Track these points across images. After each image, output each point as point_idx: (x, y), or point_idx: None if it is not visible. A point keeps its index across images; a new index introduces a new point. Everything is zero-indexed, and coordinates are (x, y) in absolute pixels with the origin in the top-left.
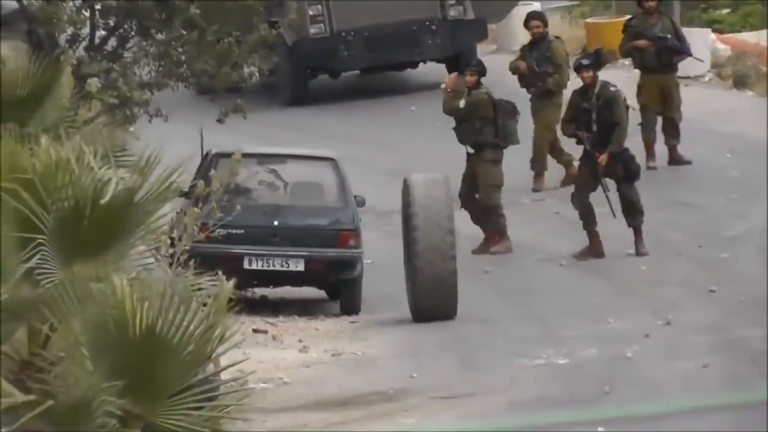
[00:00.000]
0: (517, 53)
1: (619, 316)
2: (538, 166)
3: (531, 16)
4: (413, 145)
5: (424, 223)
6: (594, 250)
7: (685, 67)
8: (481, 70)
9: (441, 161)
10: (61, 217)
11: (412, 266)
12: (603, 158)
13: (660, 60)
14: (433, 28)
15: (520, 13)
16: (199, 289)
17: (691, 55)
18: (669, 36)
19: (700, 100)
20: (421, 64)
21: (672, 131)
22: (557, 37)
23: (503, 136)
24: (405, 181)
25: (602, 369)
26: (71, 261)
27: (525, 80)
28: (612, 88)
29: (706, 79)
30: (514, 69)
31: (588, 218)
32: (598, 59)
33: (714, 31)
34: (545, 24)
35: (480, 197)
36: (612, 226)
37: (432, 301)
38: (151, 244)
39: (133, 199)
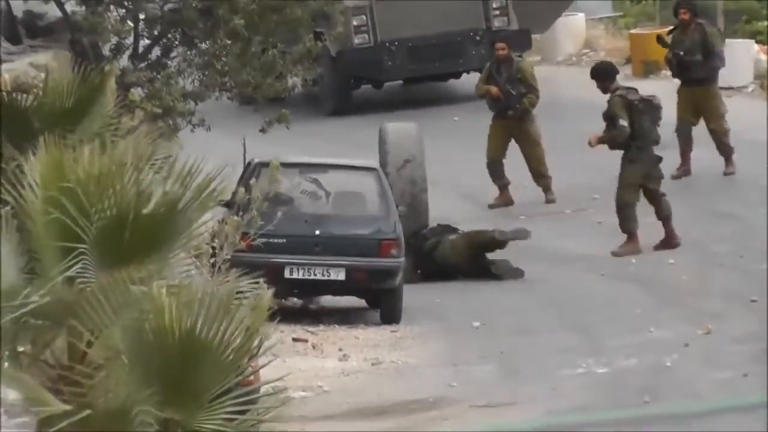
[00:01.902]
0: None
1: (660, 326)
2: (543, 181)
3: (497, 39)
4: (455, 155)
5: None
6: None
7: (728, 78)
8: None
9: (482, 170)
10: (104, 226)
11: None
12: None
13: (683, 72)
14: (477, 38)
15: (564, 23)
16: (240, 295)
17: (717, 67)
18: (682, 53)
19: (742, 110)
20: (465, 75)
21: (716, 143)
22: (519, 56)
23: (639, 135)
24: (380, 129)
25: (642, 378)
26: (112, 269)
27: (497, 103)
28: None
29: (749, 90)
30: (484, 92)
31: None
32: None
33: (757, 42)
34: (510, 46)
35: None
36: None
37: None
38: (192, 252)
39: (175, 208)
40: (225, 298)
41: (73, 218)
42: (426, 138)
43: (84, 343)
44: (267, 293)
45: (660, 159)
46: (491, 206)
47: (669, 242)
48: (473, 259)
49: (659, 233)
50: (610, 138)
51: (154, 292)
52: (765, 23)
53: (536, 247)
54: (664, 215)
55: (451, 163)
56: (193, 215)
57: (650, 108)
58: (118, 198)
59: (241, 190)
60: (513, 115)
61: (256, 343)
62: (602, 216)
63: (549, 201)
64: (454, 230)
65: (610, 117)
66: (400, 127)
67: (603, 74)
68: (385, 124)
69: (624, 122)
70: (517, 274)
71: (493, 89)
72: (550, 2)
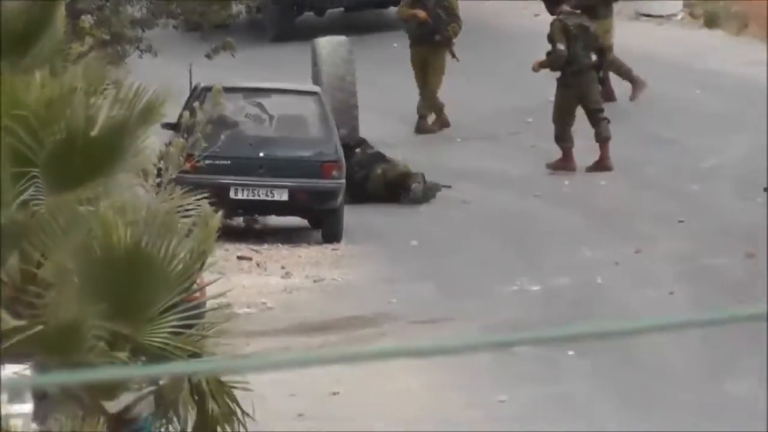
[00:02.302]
0: None
1: (592, 245)
2: (434, 109)
3: None
4: (393, 81)
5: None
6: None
7: (658, 7)
8: None
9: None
10: (54, 150)
11: None
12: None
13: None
14: None
15: None
16: (185, 213)
17: None
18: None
19: (672, 38)
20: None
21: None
22: None
23: (573, 60)
24: (312, 42)
25: (573, 295)
26: (63, 190)
27: (423, 27)
28: None
29: (679, 17)
30: (410, 16)
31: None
32: None
33: None
34: None
35: None
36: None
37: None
38: (138, 173)
39: (122, 129)
40: (169, 216)
41: (26, 143)
42: (365, 64)
43: (35, 263)
44: (216, 214)
45: (601, 81)
46: (426, 130)
47: (603, 164)
48: (394, 192)
49: (594, 155)
50: (550, 62)
51: (101, 211)
52: None
53: (472, 168)
54: (602, 138)
55: (388, 88)
56: (138, 132)
57: (585, 34)
58: (68, 122)
59: (186, 113)
60: (439, 40)
61: (201, 259)
62: (536, 140)
63: (444, 125)
64: (382, 158)
65: (550, 40)
66: (331, 41)
67: None
68: (316, 39)
69: (561, 46)
70: (434, 189)
71: (421, 13)
72: None
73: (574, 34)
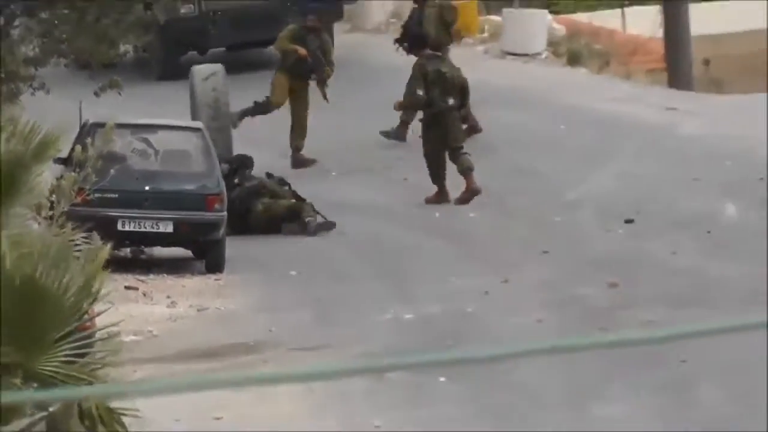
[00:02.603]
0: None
1: (462, 275)
2: (302, 142)
3: (309, 11)
4: (273, 116)
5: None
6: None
7: (524, 45)
8: None
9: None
10: None
11: None
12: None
13: None
14: (294, 8)
15: None
16: (76, 246)
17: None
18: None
19: (537, 76)
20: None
21: None
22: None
23: (430, 103)
24: (191, 70)
25: (446, 324)
26: None
27: (301, 64)
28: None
29: (543, 56)
30: (291, 50)
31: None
32: None
33: (551, 12)
34: (321, 18)
35: None
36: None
37: None
38: (32, 207)
39: (18, 164)
40: (62, 248)
41: None
42: (245, 100)
43: None
44: (105, 246)
45: (463, 119)
46: (301, 164)
47: (469, 190)
48: (276, 225)
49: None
50: (408, 104)
51: None
52: None
53: (348, 201)
54: (465, 169)
55: (269, 123)
56: (33, 168)
57: (441, 80)
58: None
59: (78, 148)
60: (315, 80)
61: (93, 290)
62: (408, 173)
63: (309, 164)
64: (261, 194)
65: (409, 84)
66: (207, 67)
67: (412, 41)
68: (193, 67)
69: (420, 91)
70: (329, 227)
71: (302, 50)
72: None
73: (431, 79)
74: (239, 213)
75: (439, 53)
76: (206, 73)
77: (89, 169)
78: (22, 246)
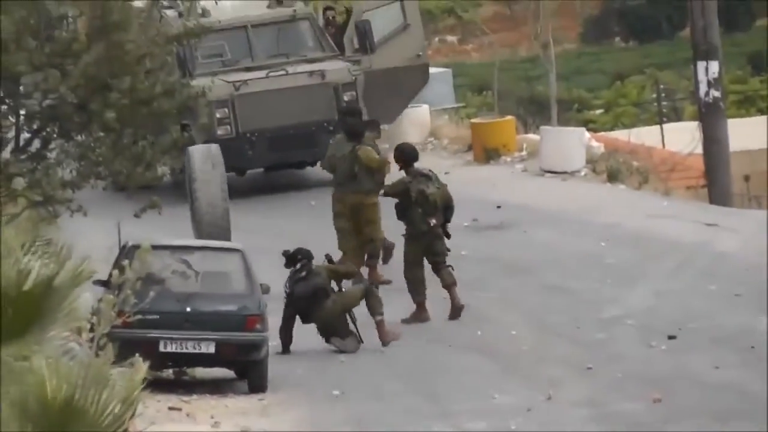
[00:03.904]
0: None
1: (504, 392)
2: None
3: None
4: (314, 236)
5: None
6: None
7: (562, 163)
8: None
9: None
10: None
11: (194, 211)
12: None
13: None
14: (331, 128)
15: (410, 114)
16: (116, 366)
17: None
18: None
19: (576, 194)
20: (320, 162)
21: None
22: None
23: (410, 222)
24: (186, 151)
25: None
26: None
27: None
28: None
29: (582, 174)
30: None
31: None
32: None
33: (588, 129)
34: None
35: None
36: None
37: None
38: (72, 329)
39: (52, 284)
40: (101, 369)
41: None
42: (286, 220)
43: None
44: (142, 366)
45: (447, 236)
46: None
47: (456, 307)
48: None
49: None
50: (390, 190)
51: (35, 367)
52: (595, 112)
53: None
54: (448, 283)
55: (306, 242)
56: (68, 291)
57: (424, 201)
58: (2, 279)
59: (116, 271)
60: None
61: (131, 410)
62: (438, 290)
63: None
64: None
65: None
66: (204, 147)
67: (400, 156)
68: (189, 148)
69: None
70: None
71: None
72: (397, 95)
73: (414, 199)
74: (304, 311)
75: (428, 172)
76: (203, 151)
77: (128, 291)
78: (60, 370)
